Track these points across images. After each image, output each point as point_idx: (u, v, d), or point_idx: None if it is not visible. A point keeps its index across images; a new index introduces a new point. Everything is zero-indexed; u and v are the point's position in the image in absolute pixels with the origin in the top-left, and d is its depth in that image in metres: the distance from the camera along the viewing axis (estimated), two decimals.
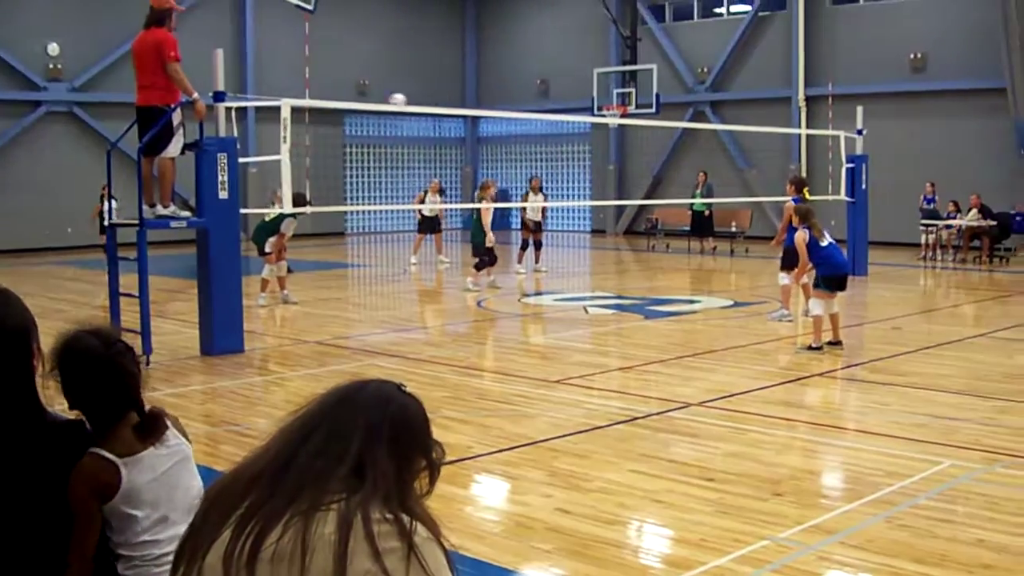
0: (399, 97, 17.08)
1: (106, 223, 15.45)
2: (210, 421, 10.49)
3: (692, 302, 19.75)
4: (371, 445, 2.49)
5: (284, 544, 2.37)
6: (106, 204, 18.18)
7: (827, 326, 14.13)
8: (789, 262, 16.14)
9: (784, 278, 16.75)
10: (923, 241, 28.09)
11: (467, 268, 22.91)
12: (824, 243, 14.20)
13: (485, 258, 21.57)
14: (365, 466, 2.47)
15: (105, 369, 3.46)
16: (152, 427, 3.57)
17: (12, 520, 3.25)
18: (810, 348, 14.00)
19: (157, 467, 3.54)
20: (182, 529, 3.19)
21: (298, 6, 21.00)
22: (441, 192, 28.17)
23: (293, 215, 17.93)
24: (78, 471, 3.38)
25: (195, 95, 13.19)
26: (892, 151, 29.93)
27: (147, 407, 3.57)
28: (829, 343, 14.12)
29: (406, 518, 2.41)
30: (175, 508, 3.56)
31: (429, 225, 27.14)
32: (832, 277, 14.20)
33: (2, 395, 3.25)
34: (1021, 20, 28.39)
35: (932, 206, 28.09)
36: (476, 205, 22.50)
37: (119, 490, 3.44)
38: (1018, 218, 28.24)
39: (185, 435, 3.73)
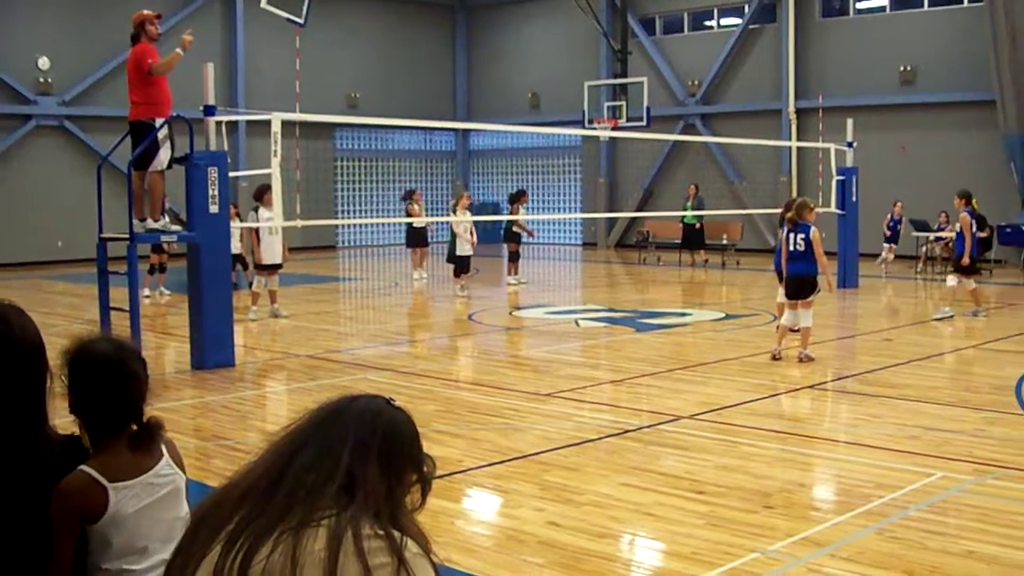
0: None
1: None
2: (201, 435, 10.47)
3: (683, 315, 19.75)
4: (361, 460, 2.49)
5: (274, 560, 2.37)
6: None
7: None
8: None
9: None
10: (882, 258, 28.04)
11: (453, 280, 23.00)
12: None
13: (457, 265, 22.94)
14: (355, 482, 2.47)
15: (114, 373, 3.46)
16: (148, 440, 3.55)
17: (10, 535, 3.24)
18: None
19: (145, 497, 3.50)
20: (162, 557, 3.17)
21: (289, 20, 20.94)
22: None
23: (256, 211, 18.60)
24: (64, 488, 3.36)
25: (177, 51, 13.31)
26: (882, 163, 29.99)
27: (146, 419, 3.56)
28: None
29: (397, 534, 2.41)
30: (155, 539, 3.52)
31: (418, 238, 26.62)
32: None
33: (17, 411, 3.27)
34: (1010, 33, 28.48)
35: (898, 227, 28.12)
36: (466, 218, 22.84)
37: (104, 515, 3.41)
38: (1007, 230, 28.28)
39: (180, 464, 3.71)
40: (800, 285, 14.45)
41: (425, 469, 2.63)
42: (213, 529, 2.51)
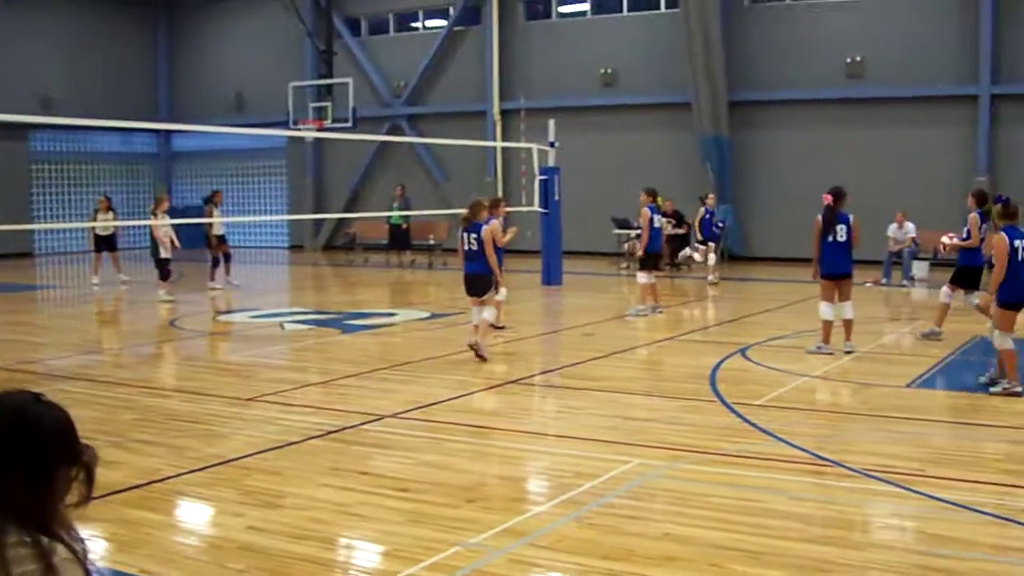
0: None
1: None
2: None
3: (390, 315, 19.76)
4: (2, 465, 2.33)
5: None
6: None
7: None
8: None
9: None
10: (688, 255, 28.27)
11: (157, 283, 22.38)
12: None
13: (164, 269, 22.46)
14: None
15: None
16: None
17: None
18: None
19: None
20: None
21: None
22: (111, 209, 26.72)
23: None
24: None
25: None
26: (585, 163, 30.76)
27: None
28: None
29: (44, 539, 2.27)
30: None
31: (105, 243, 26.41)
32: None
33: None
34: (703, 39, 29.72)
35: (713, 223, 25.85)
36: (158, 222, 22.31)
37: None
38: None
39: None
40: (474, 283, 14.62)
41: (84, 460, 2.46)
42: None
